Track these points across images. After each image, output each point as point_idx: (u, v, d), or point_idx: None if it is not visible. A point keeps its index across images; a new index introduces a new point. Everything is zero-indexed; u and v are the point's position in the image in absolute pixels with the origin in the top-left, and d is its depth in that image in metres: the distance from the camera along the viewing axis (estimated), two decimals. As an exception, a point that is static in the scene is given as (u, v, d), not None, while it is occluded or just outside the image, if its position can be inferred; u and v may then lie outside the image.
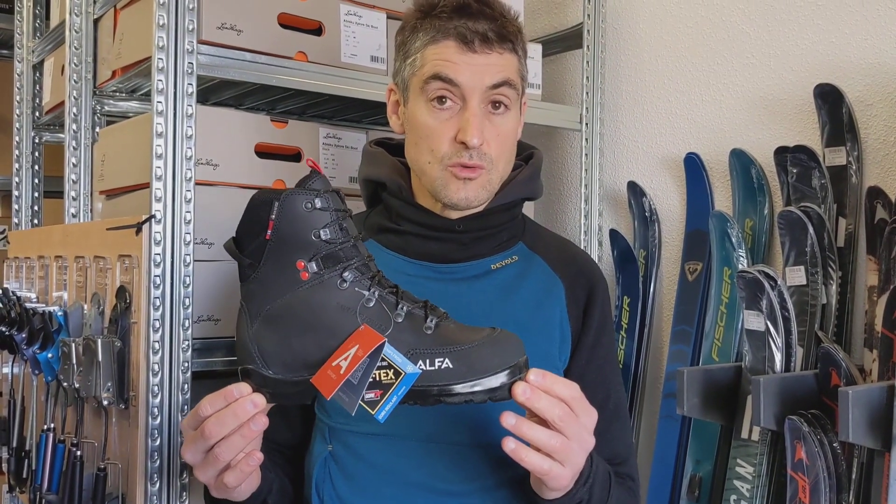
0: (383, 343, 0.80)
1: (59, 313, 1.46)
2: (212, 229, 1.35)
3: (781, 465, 1.35)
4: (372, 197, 1.17)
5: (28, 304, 1.57)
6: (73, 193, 1.67)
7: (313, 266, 0.83)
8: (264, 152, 1.41)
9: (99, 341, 1.26)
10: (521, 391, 0.82)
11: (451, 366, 0.80)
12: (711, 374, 1.41)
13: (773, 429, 1.30)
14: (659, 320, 1.80)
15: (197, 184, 1.28)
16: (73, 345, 1.33)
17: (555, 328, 1.07)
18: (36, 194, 2.08)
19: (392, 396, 0.79)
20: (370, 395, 0.79)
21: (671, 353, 1.69)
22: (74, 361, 1.33)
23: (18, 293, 1.72)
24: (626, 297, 1.80)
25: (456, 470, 1.01)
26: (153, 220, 1.26)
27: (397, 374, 0.79)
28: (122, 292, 1.31)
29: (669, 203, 1.79)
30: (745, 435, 1.40)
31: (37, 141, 2.07)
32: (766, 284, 1.36)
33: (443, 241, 1.08)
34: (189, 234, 1.28)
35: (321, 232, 0.83)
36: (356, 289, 0.84)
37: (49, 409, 1.51)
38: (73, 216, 1.68)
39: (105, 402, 1.25)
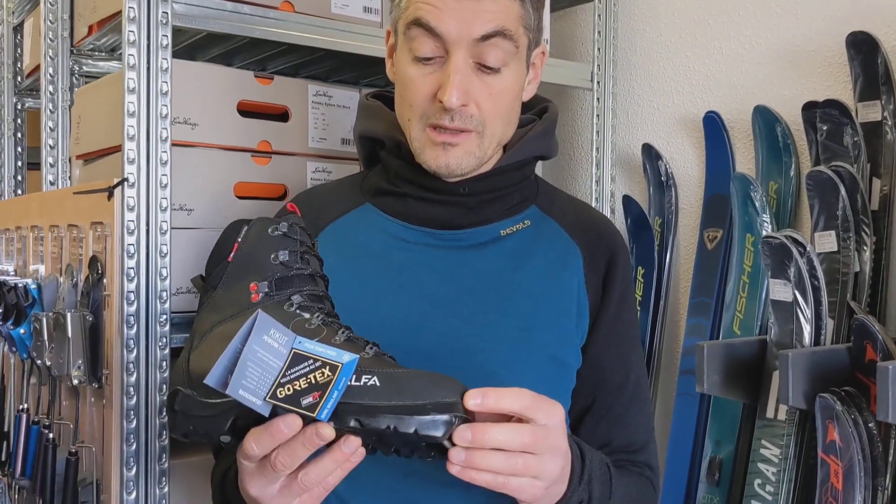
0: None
1: (33, 286, 1.37)
2: (191, 194, 1.25)
3: (811, 448, 1.25)
4: (370, 156, 1.06)
5: (4, 278, 1.48)
6: (50, 160, 1.58)
7: (264, 287, 0.78)
8: (248, 111, 1.31)
9: (69, 315, 1.17)
10: (461, 435, 0.71)
11: (377, 384, 0.71)
12: (734, 349, 1.30)
13: (803, 408, 1.19)
14: (675, 292, 1.70)
15: (174, 144, 1.19)
16: (45, 319, 1.24)
17: (571, 301, 0.97)
18: (19, 163, 1.99)
19: (332, 392, 0.70)
20: (308, 400, 0.70)
21: (689, 327, 1.59)
22: (46, 337, 1.24)
23: (-3, 266, 1.63)
24: (640, 268, 1.70)
25: None
26: (126, 183, 1.17)
27: (333, 368, 0.70)
28: (94, 263, 1.21)
29: (687, 166, 1.68)
30: (770, 414, 1.30)
31: (19, 107, 1.98)
32: (795, 251, 1.25)
33: (446, 205, 0.97)
34: (165, 199, 1.19)
35: (280, 254, 0.80)
36: (298, 311, 0.77)
37: (25, 389, 1.42)
38: (52, 184, 1.58)
39: (75, 382, 1.16)
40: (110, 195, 1.18)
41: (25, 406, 1.37)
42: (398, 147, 0.98)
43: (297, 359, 0.70)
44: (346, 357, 0.70)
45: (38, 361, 1.29)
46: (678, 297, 1.69)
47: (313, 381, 0.69)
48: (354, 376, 0.71)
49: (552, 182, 1.84)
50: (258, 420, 0.71)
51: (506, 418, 0.75)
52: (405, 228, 0.97)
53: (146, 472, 1.17)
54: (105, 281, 1.20)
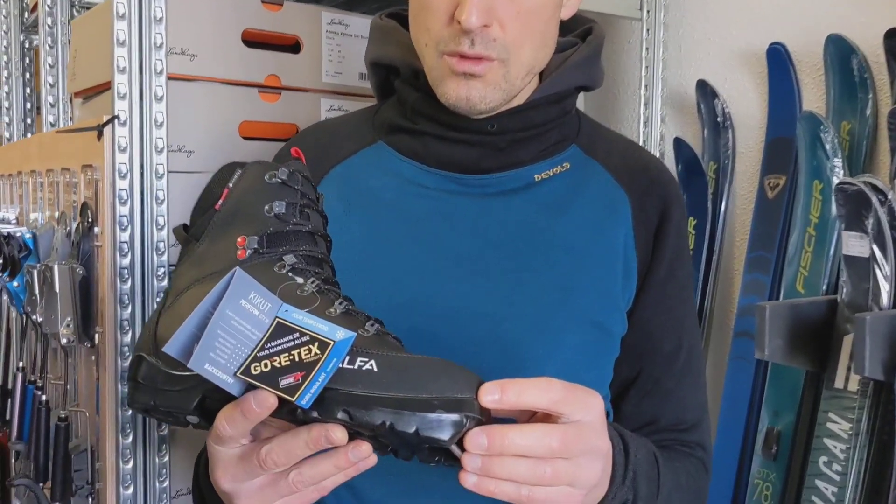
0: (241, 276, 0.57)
1: (28, 236, 1.27)
2: (190, 134, 1.13)
3: (886, 423, 1.11)
4: (383, 85, 0.92)
5: (4, 227, 1.38)
6: (50, 99, 1.47)
7: (254, 243, 0.65)
8: (254, 41, 1.18)
9: (55, 268, 1.06)
10: (474, 441, 0.58)
11: (375, 369, 0.58)
12: (800, 311, 1.15)
13: (880, 378, 1.05)
14: (730, 245, 1.55)
15: (170, 78, 1.07)
16: (35, 272, 1.14)
17: (617, 258, 0.83)
18: (28, 105, 1.88)
19: (319, 374, 0.57)
20: (288, 381, 0.57)
21: (745, 284, 1.45)
22: (37, 292, 1.14)
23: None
24: (692, 219, 1.55)
25: None
26: (116, 121, 1.05)
27: (324, 346, 0.57)
28: (84, 210, 1.10)
29: (747, 106, 1.52)
30: (839, 384, 1.16)
31: (26, 46, 1.86)
32: (874, 199, 1.09)
33: (471, 146, 0.83)
34: (161, 139, 1.06)
35: (275, 205, 0.67)
36: (290, 274, 0.64)
37: (25, 347, 1.33)
38: (52, 125, 1.48)
39: (64, 341, 1.06)
40: (100, 135, 1.07)
41: (22, 364, 1.28)
42: (416, 76, 0.84)
43: (280, 330, 0.57)
44: (341, 334, 0.58)
45: (33, 317, 1.20)
46: (733, 251, 1.55)
47: (297, 359, 0.57)
48: (348, 358, 0.58)
49: (595, 122, 1.68)
50: (230, 400, 0.59)
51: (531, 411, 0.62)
52: (423, 172, 0.84)
53: (144, 439, 1.07)
54: (97, 230, 1.09)
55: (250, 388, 0.57)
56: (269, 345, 0.57)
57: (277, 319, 0.57)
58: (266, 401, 0.57)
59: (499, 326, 0.77)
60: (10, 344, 1.52)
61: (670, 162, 1.61)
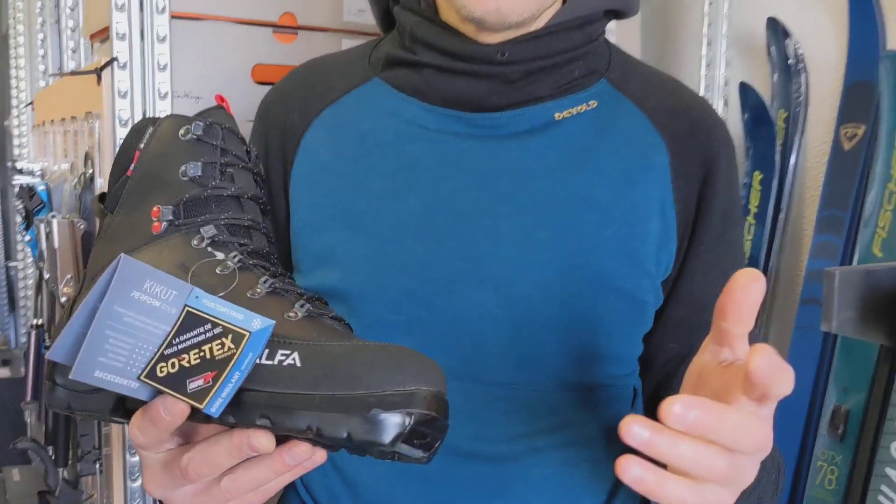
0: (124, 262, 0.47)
1: (41, 188, 1.22)
2: (198, 79, 1.06)
3: (972, 407, 0.97)
4: (385, 17, 0.81)
5: (18, 179, 1.34)
6: (71, 44, 1.41)
7: (168, 213, 0.55)
8: (267, -25, 1.09)
9: (54, 222, 1.00)
10: (632, 433, 0.45)
11: (297, 363, 0.48)
12: (874, 278, 1.01)
13: (967, 358, 0.91)
14: (800, 203, 1.41)
15: (174, 17, 1.00)
16: (42, 226, 1.08)
17: (651, 217, 0.71)
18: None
19: (233, 373, 0.47)
20: (197, 384, 0.48)
21: (815, 246, 1.31)
22: (44, 247, 1.09)
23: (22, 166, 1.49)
24: (757, 173, 1.41)
25: (499, 423, 0.69)
26: (115, 64, 0.98)
27: (238, 338, 0.48)
28: (86, 160, 1.04)
29: (823, 46, 1.36)
30: (918, 361, 1.02)
31: (62, -9, 1.81)
32: (968, 150, 0.94)
33: (478, 78, 0.71)
34: (165, 83, 1.00)
35: (189, 167, 0.56)
36: (209, 248, 0.54)
37: (42, 304, 1.29)
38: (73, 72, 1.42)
39: (63, 299, 1.00)
40: (99, 79, 1.00)
41: (38, 322, 1.23)
42: None
43: (190, 321, 0.48)
44: (257, 323, 0.48)
45: (45, 274, 1.15)
46: (803, 210, 1.41)
47: (208, 356, 0.47)
48: (267, 351, 0.48)
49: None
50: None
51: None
52: (424, 111, 0.72)
53: (151, 405, 1.02)
54: (99, 182, 1.02)
55: (160, 391, 0.49)
56: (177, 340, 0.48)
57: (187, 308, 0.48)
58: (175, 407, 0.47)
59: (507, 293, 0.66)
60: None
61: (735, 109, 1.47)
